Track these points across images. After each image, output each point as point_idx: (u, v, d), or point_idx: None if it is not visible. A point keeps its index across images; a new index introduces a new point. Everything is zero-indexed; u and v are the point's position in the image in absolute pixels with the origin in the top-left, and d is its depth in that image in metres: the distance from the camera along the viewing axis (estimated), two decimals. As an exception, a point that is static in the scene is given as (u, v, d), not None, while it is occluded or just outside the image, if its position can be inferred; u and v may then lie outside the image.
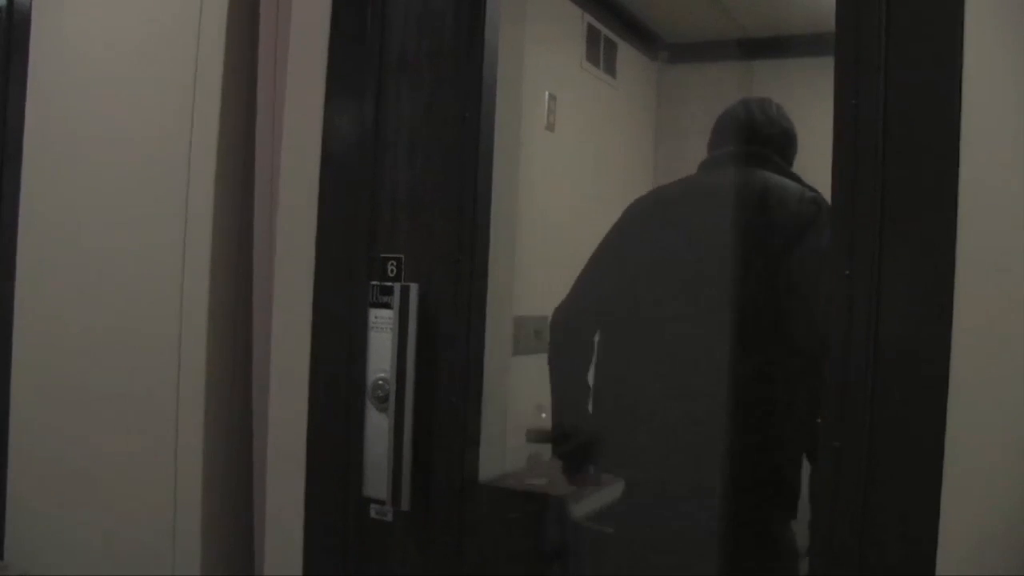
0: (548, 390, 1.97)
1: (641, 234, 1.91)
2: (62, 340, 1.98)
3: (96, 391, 1.92)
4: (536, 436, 1.94)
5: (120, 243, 1.91)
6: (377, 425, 1.58)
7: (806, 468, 1.68)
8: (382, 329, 1.57)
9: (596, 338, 1.92)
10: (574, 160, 2.69)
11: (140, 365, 1.87)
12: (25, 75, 2.04)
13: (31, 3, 2.04)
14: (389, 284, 1.57)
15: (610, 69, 2.88)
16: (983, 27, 1.17)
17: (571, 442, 1.93)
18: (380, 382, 1.57)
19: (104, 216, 1.94)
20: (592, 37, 2.78)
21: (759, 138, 1.87)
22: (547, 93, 2.50)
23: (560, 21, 2.68)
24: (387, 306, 1.57)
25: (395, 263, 1.61)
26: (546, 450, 2.05)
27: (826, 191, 1.32)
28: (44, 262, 2.02)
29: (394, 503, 1.55)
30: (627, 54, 2.99)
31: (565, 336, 1.94)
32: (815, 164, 1.99)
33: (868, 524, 1.22)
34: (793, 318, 1.69)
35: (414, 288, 1.56)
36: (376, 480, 1.58)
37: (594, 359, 1.92)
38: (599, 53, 2.81)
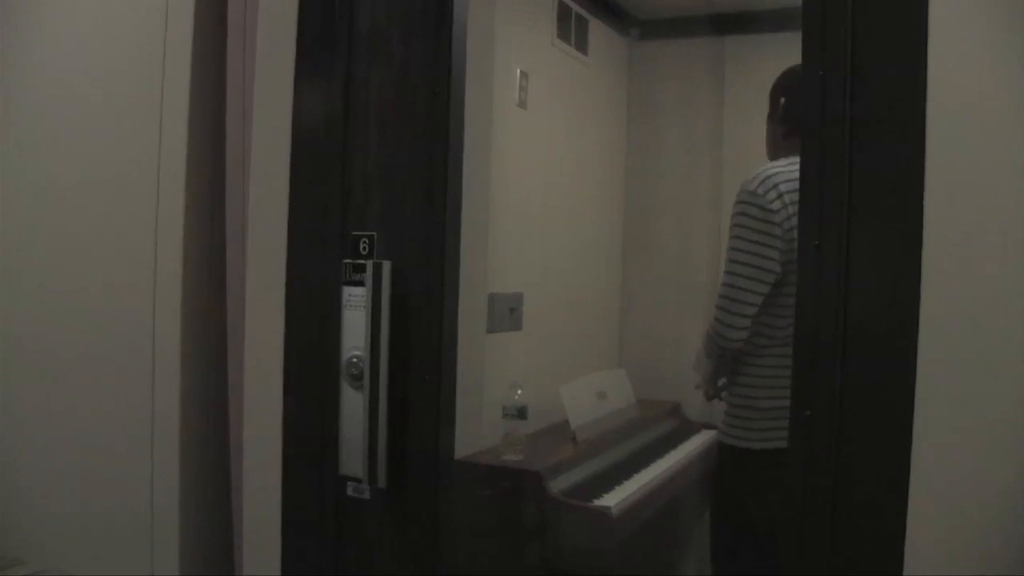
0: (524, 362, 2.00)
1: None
2: (37, 328, 1.97)
3: (70, 372, 1.91)
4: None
5: (92, 229, 1.89)
6: (352, 403, 1.58)
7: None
8: (355, 307, 1.57)
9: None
10: (546, 137, 2.69)
11: (115, 349, 1.86)
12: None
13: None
14: (362, 262, 1.57)
15: (582, 46, 2.87)
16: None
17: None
18: (354, 360, 1.57)
19: (74, 197, 1.92)
20: (564, 14, 2.77)
21: None
22: (519, 70, 2.49)
23: (532, -3, 2.67)
24: (360, 284, 1.56)
25: (367, 241, 1.61)
26: (521, 426, 2.06)
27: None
28: (17, 242, 2.00)
29: (371, 481, 1.55)
30: (599, 31, 2.99)
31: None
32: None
33: (838, 492, 1.24)
34: None
35: (387, 265, 1.55)
36: (352, 458, 1.58)
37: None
38: (571, 30, 2.81)
